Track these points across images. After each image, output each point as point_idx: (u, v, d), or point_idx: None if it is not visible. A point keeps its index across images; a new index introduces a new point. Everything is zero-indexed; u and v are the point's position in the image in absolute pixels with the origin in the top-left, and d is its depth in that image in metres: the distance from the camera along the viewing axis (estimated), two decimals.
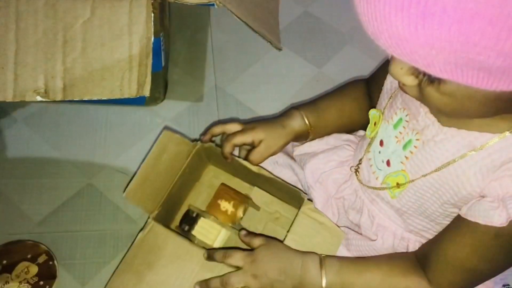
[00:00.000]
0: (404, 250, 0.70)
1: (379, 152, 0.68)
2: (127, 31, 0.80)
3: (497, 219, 0.53)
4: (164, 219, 0.79)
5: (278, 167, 0.83)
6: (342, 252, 0.72)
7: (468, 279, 0.61)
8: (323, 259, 0.67)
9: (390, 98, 0.67)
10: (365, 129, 0.73)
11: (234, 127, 0.77)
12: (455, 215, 0.61)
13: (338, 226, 0.73)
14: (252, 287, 0.67)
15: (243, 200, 0.84)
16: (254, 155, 0.75)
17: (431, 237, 0.67)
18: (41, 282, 0.81)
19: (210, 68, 1.22)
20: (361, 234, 0.73)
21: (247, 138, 0.75)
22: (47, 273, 0.82)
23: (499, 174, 0.53)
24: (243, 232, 0.75)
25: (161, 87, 1.11)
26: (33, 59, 0.78)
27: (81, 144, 1.06)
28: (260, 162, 0.76)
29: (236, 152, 0.81)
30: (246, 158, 0.77)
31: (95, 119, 1.10)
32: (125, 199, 0.72)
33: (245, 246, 0.74)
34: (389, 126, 0.66)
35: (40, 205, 0.97)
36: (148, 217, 0.77)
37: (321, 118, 0.78)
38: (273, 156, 0.78)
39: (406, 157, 0.63)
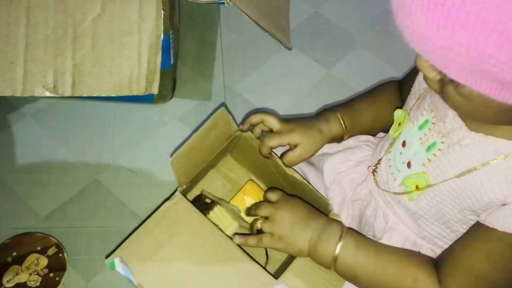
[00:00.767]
0: None
1: (401, 153, 0.67)
2: (137, 28, 0.80)
3: None
4: (183, 195, 0.78)
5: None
6: None
7: (479, 287, 0.60)
8: (344, 233, 0.66)
9: (418, 99, 0.67)
10: None
11: (272, 121, 0.75)
12: (472, 222, 0.60)
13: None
14: (276, 232, 0.68)
15: None
16: (289, 158, 0.74)
17: (444, 245, 0.66)
18: (51, 274, 0.81)
19: (218, 67, 1.22)
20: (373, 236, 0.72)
21: (283, 141, 0.73)
22: (57, 265, 0.83)
23: None
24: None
25: (169, 85, 1.11)
26: (43, 55, 0.79)
27: (88, 141, 1.07)
28: (293, 165, 0.76)
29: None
30: (262, 152, 0.76)
31: (103, 115, 1.10)
32: (171, 163, 0.70)
33: None
34: (413, 127, 0.66)
35: (46, 200, 0.98)
36: (176, 189, 0.76)
37: (356, 121, 0.77)
38: None
39: (429, 160, 0.62)
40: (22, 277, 0.81)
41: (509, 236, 0.53)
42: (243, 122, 0.78)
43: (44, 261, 0.83)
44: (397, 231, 0.69)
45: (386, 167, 0.70)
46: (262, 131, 0.78)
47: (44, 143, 1.05)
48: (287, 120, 0.76)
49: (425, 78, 0.54)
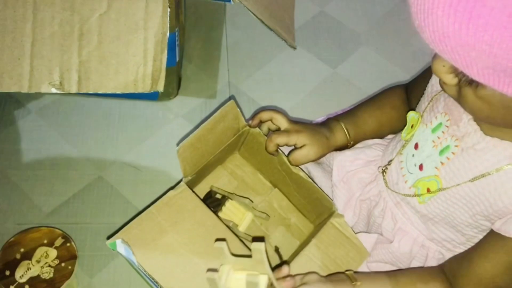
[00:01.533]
0: (423, 258, 0.69)
1: (413, 155, 0.67)
2: (143, 26, 0.80)
3: None
4: (189, 187, 0.78)
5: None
6: None
7: None
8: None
9: (430, 101, 0.66)
10: None
11: (281, 120, 0.75)
12: (484, 227, 0.60)
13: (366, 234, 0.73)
14: None
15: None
16: (295, 156, 0.74)
17: (453, 248, 0.65)
18: (63, 264, 0.82)
19: (224, 65, 1.22)
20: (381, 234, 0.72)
21: (291, 140, 0.73)
22: (67, 254, 0.83)
23: None
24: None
25: (174, 82, 1.11)
26: (49, 51, 0.79)
27: (93, 137, 1.07)
28: (299, 165, 0.76)
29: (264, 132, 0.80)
30: (269, 148, 0.76)
31: (108, 113, 1.11)
32: (177, 152, 0.70)
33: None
34: (426, 130, 0.65)
35: (51, 196, 0.98)
36: (181, 180, 0.76)
37: (360, 129, 0.78)
38: None
39: (442, 163, 0.62)
40: (35, 271, 0.81)
41: None
42: (251, 118, 0.78)
43: (53, 253, 0.83)
44: (406, 232, 0.69)
45: (397, 168, 0.69)
46: (269, 129, 0.78)
47: (49, 139, 1.06)
48: (295, 121, 0.76)
49: (442, 83, 0.54)
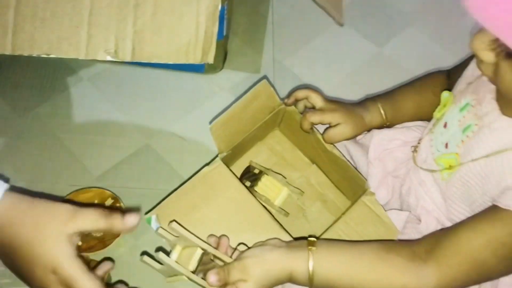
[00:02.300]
0: None
1: (441, 134, 0.68)
2: None
3: None
4: (226, 163, 0.81)
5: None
6: None
7: (474, 272, 0.58)
8: (310, 253, 0.62)
9: (467, 84, 0.67)
10: None
11: (316, 99, 0.77)
12: None
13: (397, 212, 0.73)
14: None
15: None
16: (330, 134, 0.76)
17: None
18: None
19: (269, 41, 1.23)
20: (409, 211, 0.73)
21: (325, 118, 0.75)
22: None
23: None
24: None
25: (220, 56, 1.13)
26: (106, 20, 0.81)
27: (141, 106, 1.11)
28: (333, 143, 0.77)
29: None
30: (303, 126, 0.77)
31: (156, 83, 1.14)
32: (210, 130, 0.74)
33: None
34: (455, 109, 0.66)
35: (100, 160, 1.03)
36: (216, 155, 0.79)
37: (398, 112, 0.78)
38: None
39: (462, 141, 0.63)
40: None
41: None
42: (288, 96, 0.79)
43: None
44: (429, 211, 0.70)
45: (427, 146, 0.70)
46: (305, 107, 0.79)
47: (100, 106, 1.10)
48: (331, 100, 0.77)
49: (478, 63, 0.54)
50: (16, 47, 0.79)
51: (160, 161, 1.03)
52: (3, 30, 0.79)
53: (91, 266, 0.78)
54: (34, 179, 0.99)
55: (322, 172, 0.88)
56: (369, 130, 0.79)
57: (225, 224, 0.72)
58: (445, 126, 0.68)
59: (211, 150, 1.04)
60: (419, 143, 0.73)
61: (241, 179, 0.85)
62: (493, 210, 0.57)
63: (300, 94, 0.78)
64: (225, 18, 1.03)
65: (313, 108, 0.78)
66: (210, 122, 0.76)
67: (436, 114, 0.70)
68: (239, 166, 0.88)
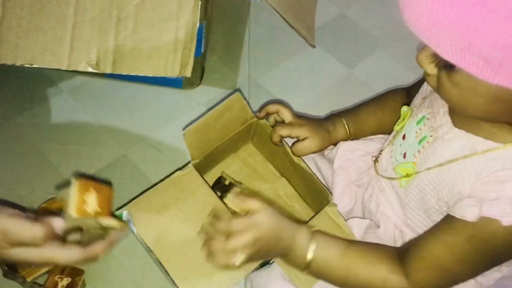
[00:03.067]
0: (402, 244, 0.73)
1: (400, 145, 0.73)
2: (175, 16, 0.86)
3: (469, 214, 0.57)
4: (198, 170, 0.84)
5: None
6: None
7: (442, 278, 0.63)
8: (313, 236, 0.68)
9: (423, 98, 0.72)
10: None
11: (286, 113, 0.81)
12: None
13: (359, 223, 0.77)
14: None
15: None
16: (297, 147, 0.80)
17: None
18: None
19: (245, 60, 1.28)
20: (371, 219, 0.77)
21: (294, 132, 0.80)
22: None
23: (488, 178, 0.57)
24: (236, 190, 0.81)
25: (198, 72, 1.17)
26: (88, 34, 0.85)
27: (119, 118, 1.14)
28: (301, 156, 0.82)
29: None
30: (273, 139, 0.81)
31: (134, 96, 1.17)
32: (183, 136, 0.78)
33: None
34: (413, 122, 0.71)
35: (77, 169, 1.05)
36: (189, 162, 0.82)
37: (361, 127, 0.83)
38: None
39: (419, 151, 0.68)
40: None
41: (468, 229, 0.58)
42: (260, 109, 0.84)
43: None
44: (388, 217, 0.74)
45: (387, 157, 0.75)
46: (276, 121, 0.84)
47: (78, 117, 1.13)
48: (299, 115, 0.82)
49: (426, 76, 0.59)
50: (1, 56, 0.82)
51: (136, 171, 1.06)
52: None
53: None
54: (11, 187, 1.01)
55: (290, 185, 0.93)
56: (335, 144, 0.84)
57: (194, 225, 0.75)
58: (403, 138, 0.72)
59: (185, 162, 1.07)
60: (380, 153, 0.78)
61: (213, 188, 0.88)
62: (449, 220, 0.61)
63: (271, 108, 0.83)
64: (203, 37, 1.08)
65: (283, 122, 0.83)
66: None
67: (396, 127, 0.75)
68: (212, 176, 0.91)
